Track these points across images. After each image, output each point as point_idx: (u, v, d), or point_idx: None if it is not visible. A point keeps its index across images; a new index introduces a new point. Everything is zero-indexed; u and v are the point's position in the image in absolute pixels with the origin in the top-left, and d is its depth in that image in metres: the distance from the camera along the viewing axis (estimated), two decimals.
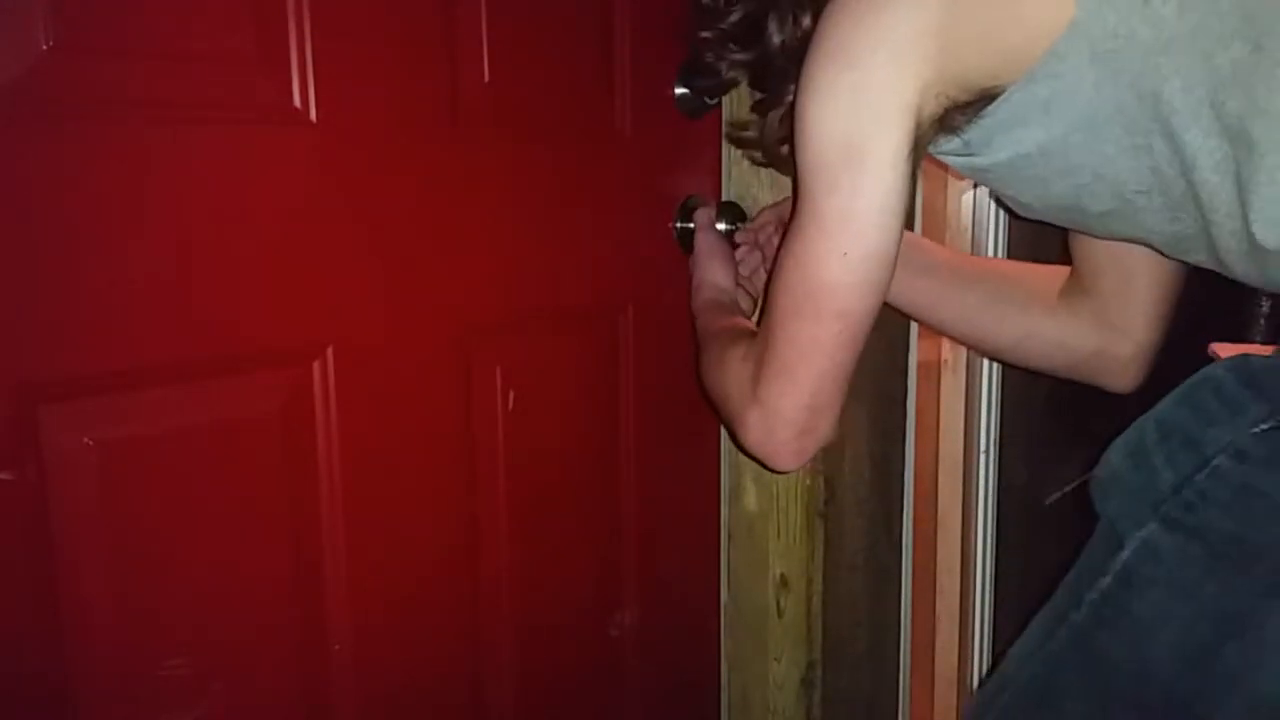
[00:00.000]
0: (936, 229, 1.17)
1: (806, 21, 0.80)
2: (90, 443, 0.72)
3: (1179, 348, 0.94)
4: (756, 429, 0.80)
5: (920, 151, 0.73)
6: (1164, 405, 0.68)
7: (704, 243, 1.07)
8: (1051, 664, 0.72)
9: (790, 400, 0.78)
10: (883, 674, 1.29)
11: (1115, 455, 0.69)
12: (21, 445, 0.69)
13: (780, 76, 0.83)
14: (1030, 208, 0.81)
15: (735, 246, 1.10)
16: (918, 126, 0.71)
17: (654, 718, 1.18)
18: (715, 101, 1.11)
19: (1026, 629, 0.77)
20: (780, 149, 0.88)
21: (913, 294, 1.01)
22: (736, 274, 1.07)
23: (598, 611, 1.11)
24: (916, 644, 1.29)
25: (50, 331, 0.69)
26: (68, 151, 0.69)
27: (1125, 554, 0.67)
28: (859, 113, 0.71)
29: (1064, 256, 0.97)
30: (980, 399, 1.23)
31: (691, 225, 1.09)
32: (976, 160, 0.76)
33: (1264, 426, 0.62)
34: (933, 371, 1.22)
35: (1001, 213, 1.19)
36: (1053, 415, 1.38)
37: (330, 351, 0.84)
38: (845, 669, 1.23)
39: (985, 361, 1.23)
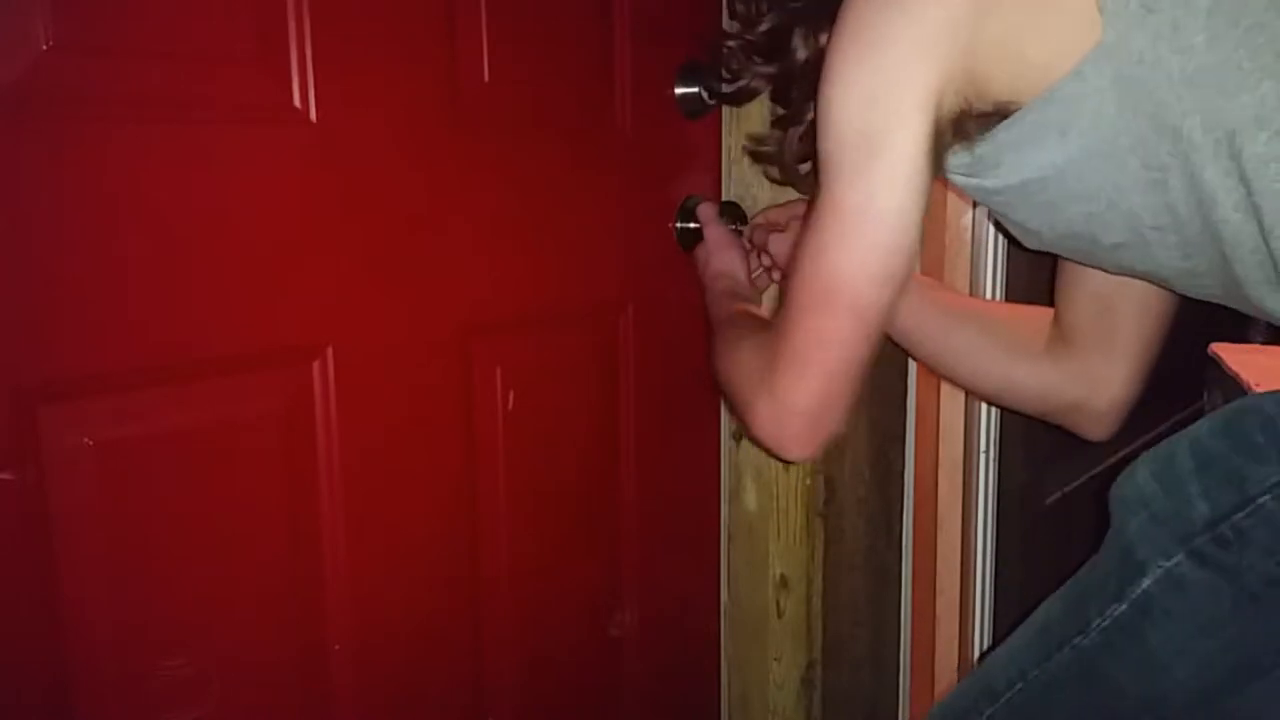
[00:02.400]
0: (935, 250, 1.17)
1: (825, 39, 0.79)
2: (90, 443, 0.72)
3: (1179, 348, 0.94)
4: (767, 419, 0.80)
5: (940, 152, 0.72)
6: (1201, 431, 0.65)
7: (715, 235, 1.07)
8: (1051, 684, 0.70)
9: (802, 392, 0.77)
10: (883, 674, 1.29)
11: (1141, 475, 0.67)
12: (21, 445, 0.69)
13: (801, 93, 0.82)
14: (1038, 236, 0.79)
15: None
16: (937, 122, 0.70)
17: (654, 717, 1.18)
18: (714, 102, 1.11)
19: (1012, 642, 0.75)
20: (799, 167, 0.87)
21: (900, 326, 1.01)
22: (749, 267, 1.07)
23: (598, 611, 1.11)
24: (916, 644, 1.29)
25: (50, 332, 0.69)
26: (68, 151, 0.69)
27: (1147, 582, 0.64)
28: (880, 103, 0.70)
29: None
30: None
31: (692, 225, 1.09)
32: (985, 182, 0.74)
33: None
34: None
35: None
36: None
37: (330, 351, 0.84)
38: (845, 669, 1.23)
39: None
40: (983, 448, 1.24)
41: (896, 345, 1.06)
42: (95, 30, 0.70)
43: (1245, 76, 0.61)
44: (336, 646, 0.87)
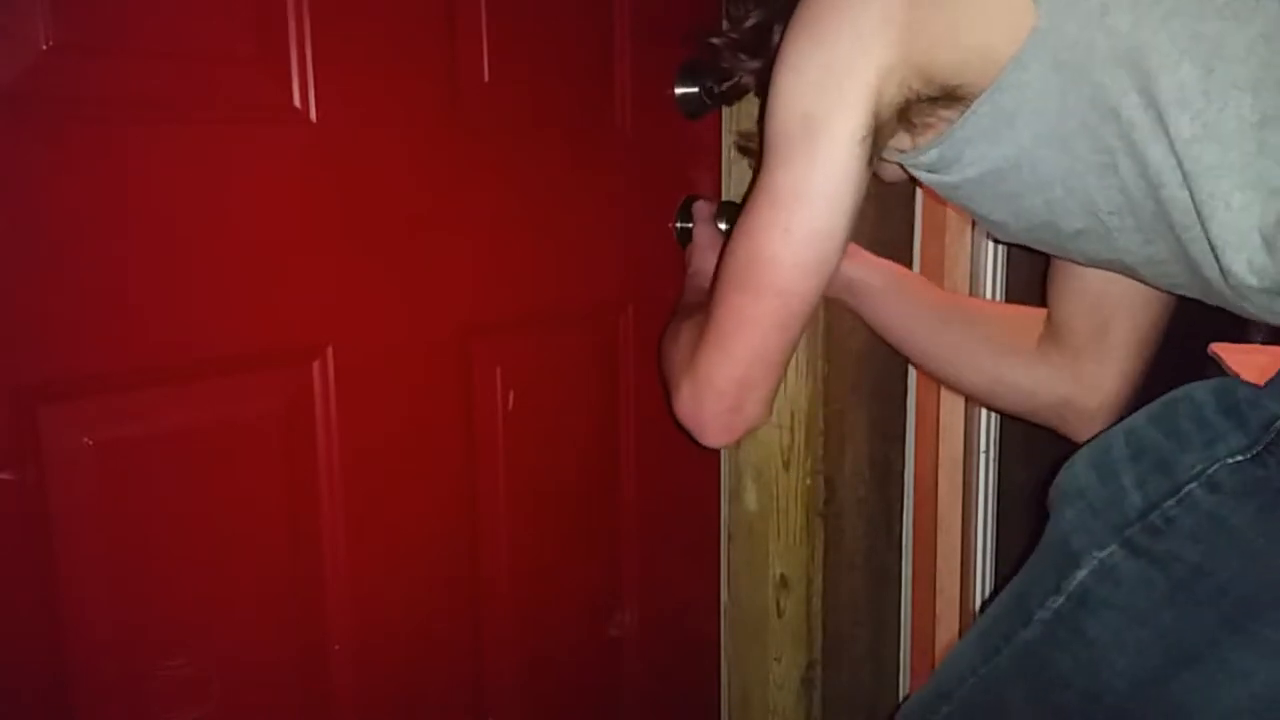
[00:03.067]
0: (935, 250, 1.17)
1: None
2: (90, 443, 0.72)
3: (1179, 348, 0.93)
4: (687, 398, 0.81)
5: (880, 142, 0.73)
6: (1137, 420, 0.66)
7: (702, 235, 1.07)
8: (998, 679, 0.70)
9: (721, 372, 0.78)
10: (883, 674, 1.29)
11: (1080, 466, 0.67)
12: (21, 445, 0.69)
13: None
14: (1005, 228, 0.80)
15: None
16: (877, 113, 0.71)
17: (654, 717, 1.18)
18: (712, 102, 1.11)
19: (962, 641, 0.76)
20: None
21: (889, 325, 1.01)
22: None
23: (598, 611, 1.11)
24: (916, 644, 1.29)
25: (50, 332, 0.69)
26: (68, 151, 0.69)
27: (1082, 574, 0.65)
28: (822, 90, 0.71)
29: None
30: None
31: (692, 225, 1.09)
32: (947, 177, 0.76)
33: (1240, 458, 0.60)
34: None
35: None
36: None
37: (330, 351, 0.84)
38: (845, 669, 1.23)
39: None
40: (983, 448, 1.24)
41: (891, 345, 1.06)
42: (95, 30, 0.70)
43: (1165, 58, 0.62)
44: (336, 646, 0.87)
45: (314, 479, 0.85)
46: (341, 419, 0.85)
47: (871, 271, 1.03)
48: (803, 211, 0.73)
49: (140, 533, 0.75)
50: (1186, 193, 0.64)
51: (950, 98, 0.71)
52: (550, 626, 1.06)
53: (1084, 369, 0.92)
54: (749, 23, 0.86)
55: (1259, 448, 0.60)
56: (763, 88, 0.88)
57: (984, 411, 1.22)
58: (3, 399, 0.68)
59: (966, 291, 1.17)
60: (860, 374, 1.17)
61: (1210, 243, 0.65)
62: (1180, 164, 0.63)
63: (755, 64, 0.87)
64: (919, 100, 0.72)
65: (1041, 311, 0.97)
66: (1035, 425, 1.01)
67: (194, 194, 0.75)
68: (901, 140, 0.77)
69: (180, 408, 0.77)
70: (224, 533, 0.79)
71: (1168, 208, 0.66)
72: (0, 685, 0.71)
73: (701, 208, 1.09)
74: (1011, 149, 0.70)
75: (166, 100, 0.74)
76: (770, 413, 0.81)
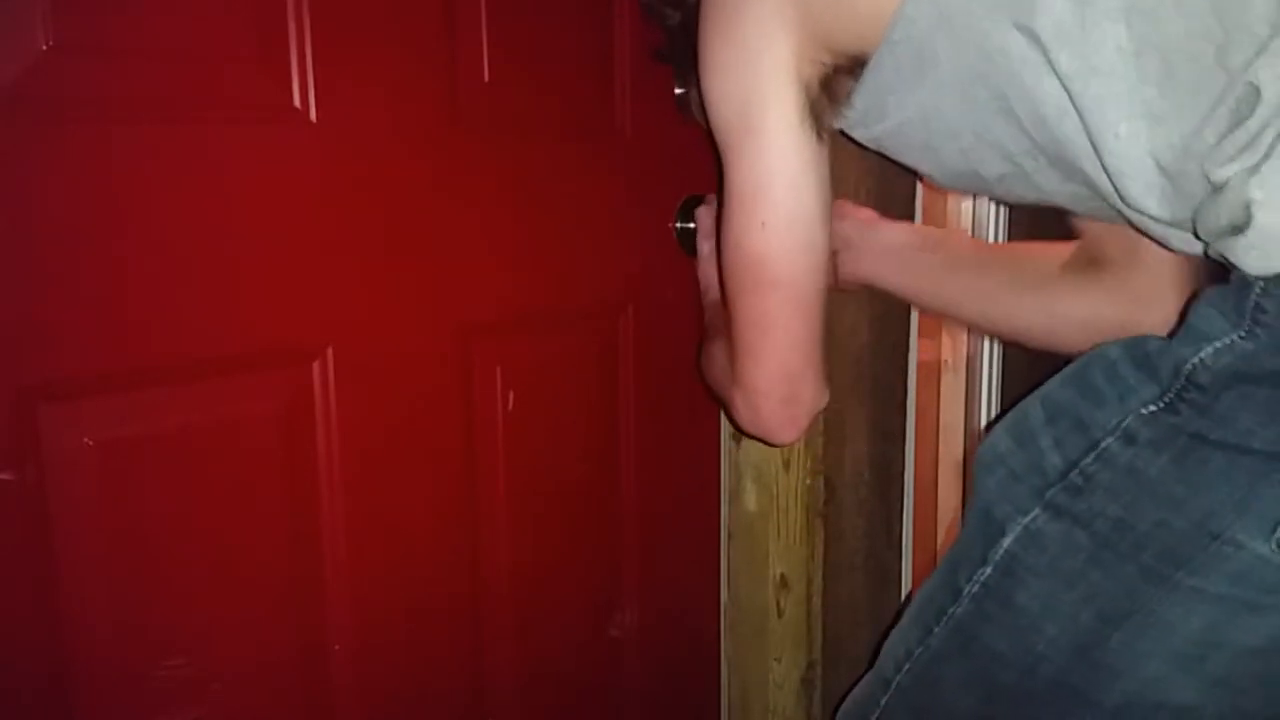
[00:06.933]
0: (936, 224, 1.17)
1: None
2: (90, 443, 0.72)
3: None
4: (742, 409, 0.81)
5: (820, 116, 0.74)
6: (1051, 385, 0.65)
7: (705, 248, 1.07)
8: (933, 661, 0.70)
9: (761, 373, 0.78)
10: None
11: (998, 434, 0.67)
12: (21, 445, 0.69)
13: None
14: (934, 178, 0.80)
15: None
16: (805, 91, 0.72)
17: (654, 718, 1.18)
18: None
19: (900, 624, 0.75)
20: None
21: (942, 283, 0.99)
22: None
23: (598, 611, 1.11)
24: None
25: (50, 332, 0.69)
26: (68, 151, 0.69)
27: (1007, 541, 0.64)
28: (745, 86, 0.72)
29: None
30: (980, 399, 1.23)
31: (691, 225, 1.09)
32: (872, 130, 0.75)
33: (1152, 407, 0.60)
34: (933, 371, 1.22)
35: (1001, 208, 1.18)
36: None
37: (330, 351, 0.84)
38: (845, 669, 1.23)
39: (985, 361, 1.23)
40: None
41: (903, 316, 1.06)
42: (95, 30, 0.70)
43: None
44: (336, 646, 0.87)
45: (314, 479, 0.85)
46: (341, 419, 0.85)
47: (911, 233, 1.02)
48: (770, 202, 0.74)
49: (140, 533, 0.75)
50: (1082, 127, 0.64)
51: (860, 65, 0.71)
52: (550, 626, 1.06)
53: (1137, 283, 0.87)
54: None
55: (1170, 395, 0.59)
56: (685, 37, 0.89)
57: (984, 411, 1.22)
58: (3, 399, 0.68)
59: None
60: (860, 374, 1.17)
61: (1107, 173, 0.64)
62: (1072, 97, 0.63)
63: (677, 15, 0.87)
64: (834, 72, 0.72)
65: (1064, 245, 0.93)
66: None
67: (194, 194, 0.75)
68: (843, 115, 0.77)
69: (180, 408, 0.77)
70: (224, 533, 0.79)
71: (1064, 145, 0.66)
72: (0, 685, 0.71)
73: (703, 217, 1.08)
74: (921, 96, 0.70)
75: (166, 100, 0.74)
76: (828, 390, 0.81)
